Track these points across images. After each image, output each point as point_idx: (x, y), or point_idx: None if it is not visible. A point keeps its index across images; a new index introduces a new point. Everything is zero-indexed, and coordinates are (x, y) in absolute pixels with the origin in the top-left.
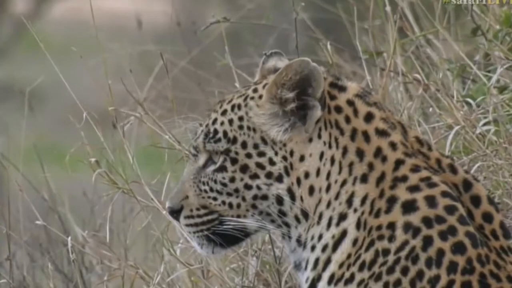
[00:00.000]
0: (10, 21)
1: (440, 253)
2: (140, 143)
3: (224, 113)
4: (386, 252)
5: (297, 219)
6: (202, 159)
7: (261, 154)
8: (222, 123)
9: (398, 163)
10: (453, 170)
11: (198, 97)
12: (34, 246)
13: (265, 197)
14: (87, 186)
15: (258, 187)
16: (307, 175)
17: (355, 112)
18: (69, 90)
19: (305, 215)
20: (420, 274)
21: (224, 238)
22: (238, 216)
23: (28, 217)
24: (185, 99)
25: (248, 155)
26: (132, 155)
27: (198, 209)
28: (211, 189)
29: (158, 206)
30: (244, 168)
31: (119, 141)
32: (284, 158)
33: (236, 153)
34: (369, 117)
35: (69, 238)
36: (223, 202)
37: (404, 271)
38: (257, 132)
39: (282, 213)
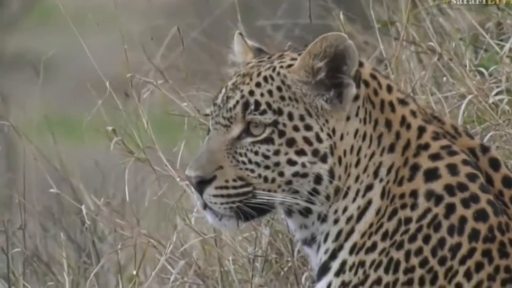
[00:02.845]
0: None
1: (463, 220)
2: (153, 112)
3: (258, 85)
4: (408, 220)
5: (327, 197)
6: (236, 130)
7: (308, 127)
8: (262, 95)
9: (421, 130)
10: (469, 135)
11: (210, 68)
12: (47, 215)
13: (305, 175)
14: (100, 156)
15: (303, 165)
16: (345, 154)
17: (379, 84)
18: (84, 59)
19: (337, 193)
20: (441, 242)
21: (249, 212)
22: (269, 191)
23: (40, 187)
24: (197, 70)
25: (295, 128)
26: (146, 121)
27: (234, 180)
28: (250, 161)
29: (173, 174)
30: (290, 142)
31: (133, 109)
32: (329, 135)
33: (284, 125)
34: (389, 89)
35: (82, 207)
36: (259, 175)
37: (426, 239)
38: (300, 102)
39: (315, 191)
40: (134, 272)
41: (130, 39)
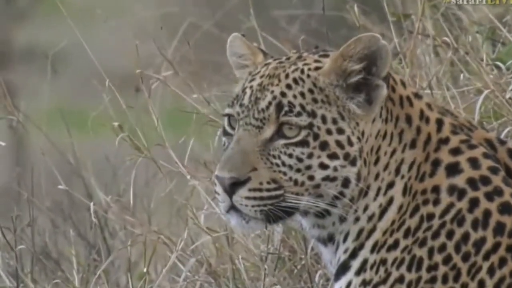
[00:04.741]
0: None
1: (487, 214)
2: (164, 107)
3: (289, 86)
4: (430, 216)
5: (351, 199)
6: (269, 131)
7: (340, 131)
8: (294, 96)
9: (439, 123)
10: (483, 128)
11: (222, 60)
12: (56, 211)
13: (334, 179)
14: (110, 150)
15: (335, 169)
16: (367, 154)
17: (394, 80)
18: (95, 51)
19: (361, 194)
20: (465, 237)
21: (279, 214)
22: (297, 194)
23: (50, 182)
24: (208, 62)
25: (328, 131)
26: (156, 117)
27: (268, 183)
28: (283, 163)
29: (183, 171)
30: (323, 145)
31: (143, 104)
32: (359, 139)
33: (318, 127)
34: (403, 83)
35: (92, 203)
36: (290, 178)
37: (449, 234)
38: (333, 105)
39: (341, 194)
40: (145, 270)
41: (141, 29)
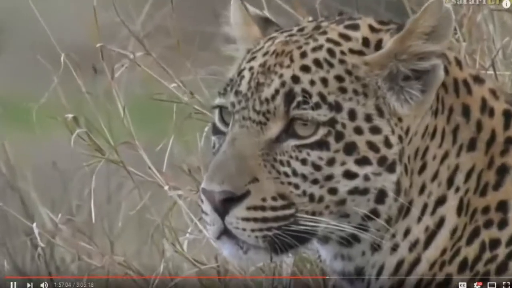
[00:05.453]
0: None
1: None
2: (133, 94)
3: (306, 69)
4: (495, 243)
5: (388, 220)
6: (275, 129)
7: (376, 130)
8: (312, 83)
9: (507, 116)
10: None
11: (212, 31)
12: None
13: (365, 192)
14: (59, 153)
15: (366, 177)
16: (409, 159)
17: (447, 58)
18: (41, 24)
19: (401, 213)
20: None
21: (288, 241)
22: (313, 214)
23: None
24: (194, 34)
25: (358, 130)
26: (123, 106)
27: (274, 199)
28: (294, 172)
29: (159, 180)
30: (350, 148)
31: (105, 90)
32: (400, 138)
33: (343, 125)
34: (459, 63)
35: (34, 224)
36: (304, 192)
37: None
38: (370, 98)
39: (373, 213)
40: None
41: None
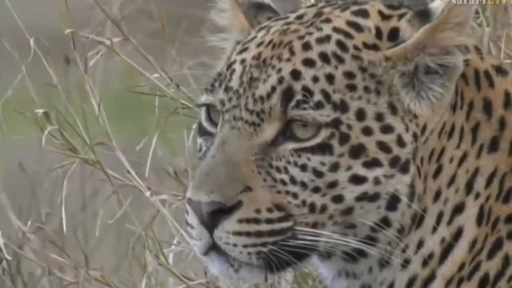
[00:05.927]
0: None
1: None
2: (110, 88)
3: (309, 63)
4: None
5: (401, 230)
6: (270, 130)
7: (388, 129)
8: (315, 79)
9: None
10: None
11: (201, 16)
12: None
13: (375, 198)
14: (28, 153)
15: (377, 181)
16: (422, 161)
17: (466, 47)
18: (4, 7)
19: (413, 223)
20: None
21: (286, 258)
22: (314, 225)
23: None
24: (180, 18)
25: (367, 131)
26: (98, 102)
27: (270, 210)
28: (293, 180)
29: (140, 185)
30: (356, 151)
31: (78, 81)
32: (415, 136)
33: (349, 126)
34: (479, 51)
35: None
36: (303, 202)
37: None
38: (383, 95)
39: (384, 223)
40: None
41: None
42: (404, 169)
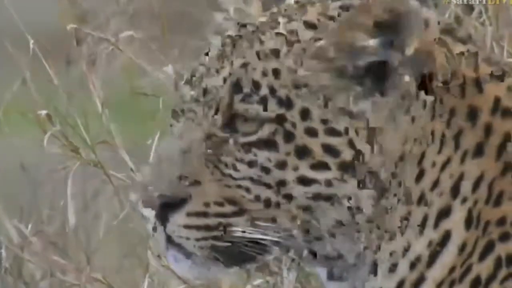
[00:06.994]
0: None
1: None
2: (113, 87)
3: (264, 56)
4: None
5: (374, 232)
6: (218, 123)
7: (333, 131)
8: (263, 74)
9: None
10: None
11: (202, 16)
12: None
13: (329, 199)
14: (29, 154)
15: (329, 183)
16: (396, 166)
17: (450, 52)
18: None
19: (400, 226)
20: None
21: (246, 254)
22: (273, 221)
23: None
24: (181, 16)
25: (311, 132)
26: (101, 102)
27: (220, 204)
28: (241, 175)
29: None
30: (302, 152)
31: (79, 80)
32: (370, 141)
33: (293, 124)
34: (476, 57)
35: None
36: (257, 197)
37: None
38: (330, 96)
39: (349, 223)
40: None
41: None
42: (359, 174)
